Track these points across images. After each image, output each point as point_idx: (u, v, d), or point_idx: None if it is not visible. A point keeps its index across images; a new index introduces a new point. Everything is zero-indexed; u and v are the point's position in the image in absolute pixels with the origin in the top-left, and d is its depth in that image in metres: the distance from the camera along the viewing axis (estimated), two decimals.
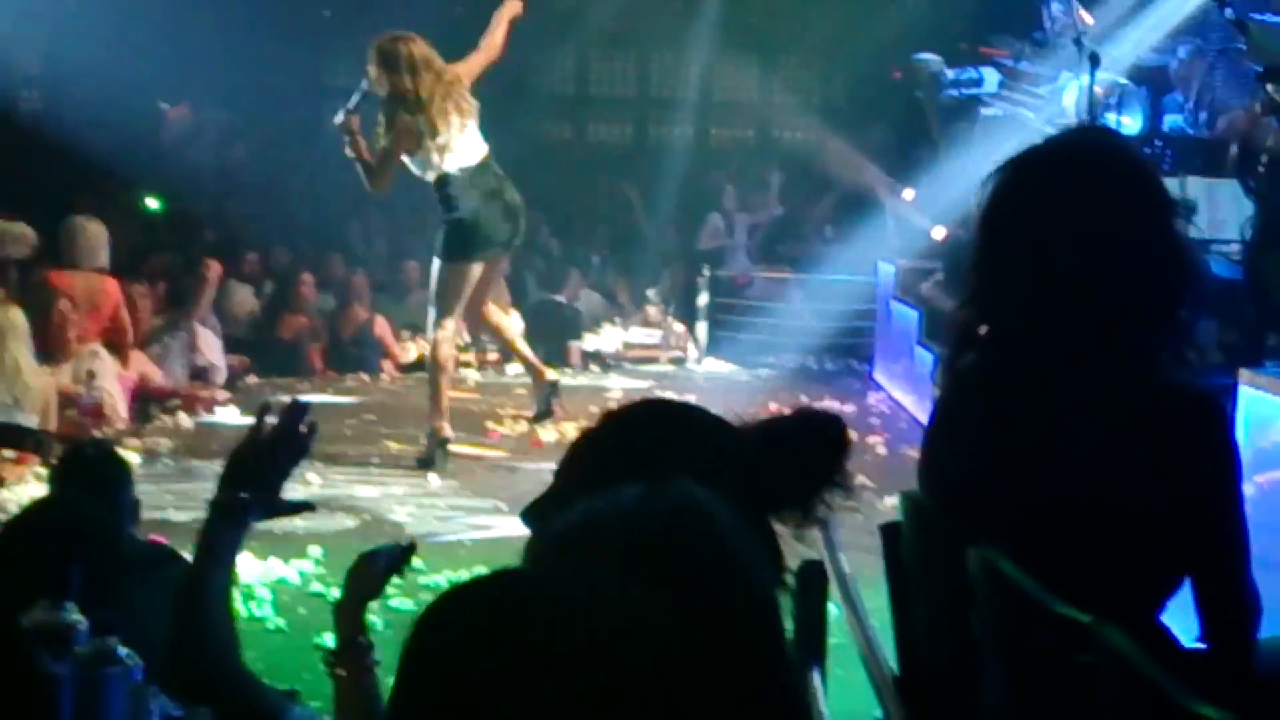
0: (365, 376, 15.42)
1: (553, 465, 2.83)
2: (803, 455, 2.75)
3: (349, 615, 3.52)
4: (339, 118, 10.50)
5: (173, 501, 9.24)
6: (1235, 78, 11.37)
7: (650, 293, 17.63)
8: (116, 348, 11.92)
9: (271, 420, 3.38)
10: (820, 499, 2.76)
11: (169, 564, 5.15)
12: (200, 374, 13.49)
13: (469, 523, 9.06)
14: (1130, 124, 11.72)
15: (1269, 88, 8.65)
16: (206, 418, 12.66)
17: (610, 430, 2.76)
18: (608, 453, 2.70)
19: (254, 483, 3.36)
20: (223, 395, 13.33)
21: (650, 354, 16.88)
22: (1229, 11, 9.85)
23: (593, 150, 21.09)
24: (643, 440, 2.71)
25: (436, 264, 10.60)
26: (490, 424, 12.34)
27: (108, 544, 4.60)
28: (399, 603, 7.38)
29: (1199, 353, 3.31)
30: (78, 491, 4.96)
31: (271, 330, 15.65)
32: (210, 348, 13.74)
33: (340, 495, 9.85)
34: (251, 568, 7.82)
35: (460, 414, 13.06)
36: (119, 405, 11.63)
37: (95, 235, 11.83)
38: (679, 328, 17.42)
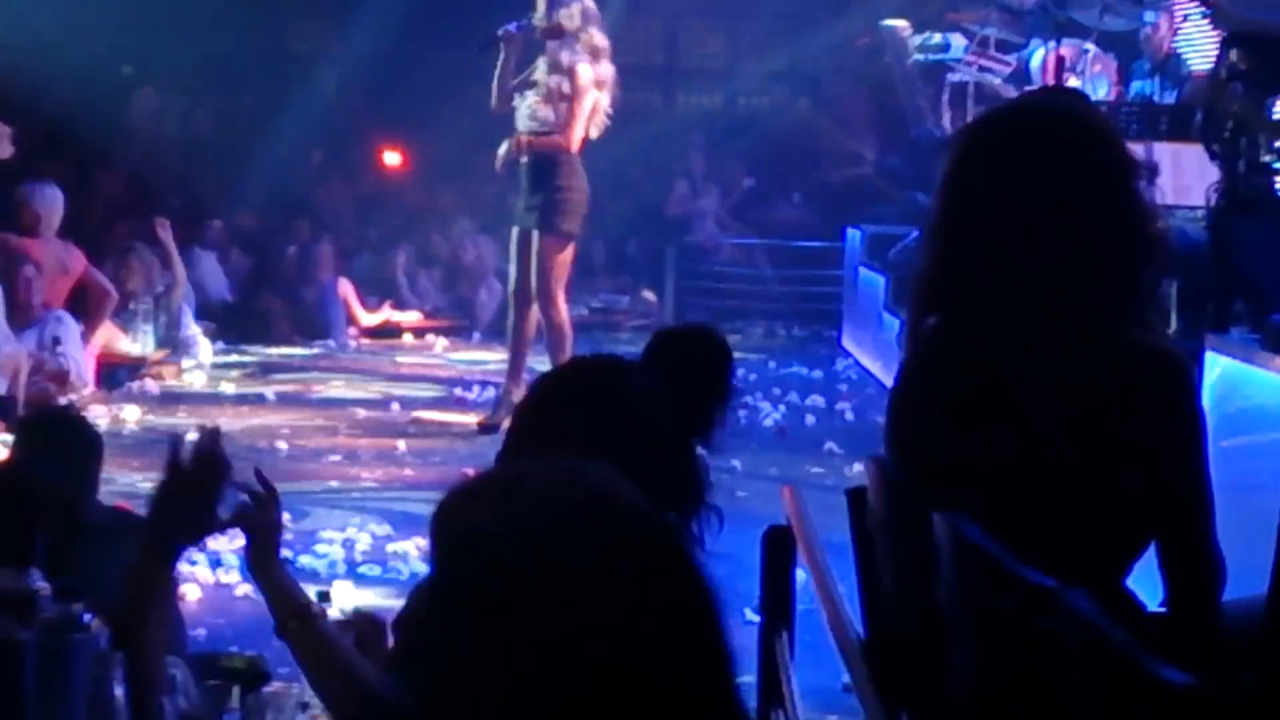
0: (332, 341, 15.39)
1: None
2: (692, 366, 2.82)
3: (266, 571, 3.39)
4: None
5: (138, 468, 9.23)
6: (1201, 43, 11.41)
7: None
8: (94, 313, 11.90)
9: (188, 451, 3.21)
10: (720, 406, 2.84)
11: (134, 531, 5.14)
12: (169, 340, 13.44)
13: (436, 490, 9.06)
14: (1097, 89, 11.73)
15: (1234, 53, 8.65)
16: (174, 384, 12.64)
17: (543, 397, 2.82)
18: (546, 417, 2.78)
19: (184, 519, 3.21)
20: (190, 362, 13.29)
21: (616, 319, 16.86)
22: None
23: None
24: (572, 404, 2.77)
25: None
26: (459, 391, 12.34)
27: (70, 511, 4.59)
28: (368, 570, 7.41)
29: (1163, 316, 3.31)
30: (41, 458, 4.95)
31: (256, 299, 15.64)
32: (181, 316, 13.69)
33: (307, 462, 9.85)
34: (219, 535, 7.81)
35: (428, 381, 13.08)
36: (84, 371, 11.59)
37: (54, 201, 11.76)
38: (647, 294, 17.42)
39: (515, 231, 10.80)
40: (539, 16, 10.59)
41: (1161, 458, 3.14)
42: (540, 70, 10.59)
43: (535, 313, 10.75)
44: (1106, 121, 3.48)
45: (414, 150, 18.38)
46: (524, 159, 10.57)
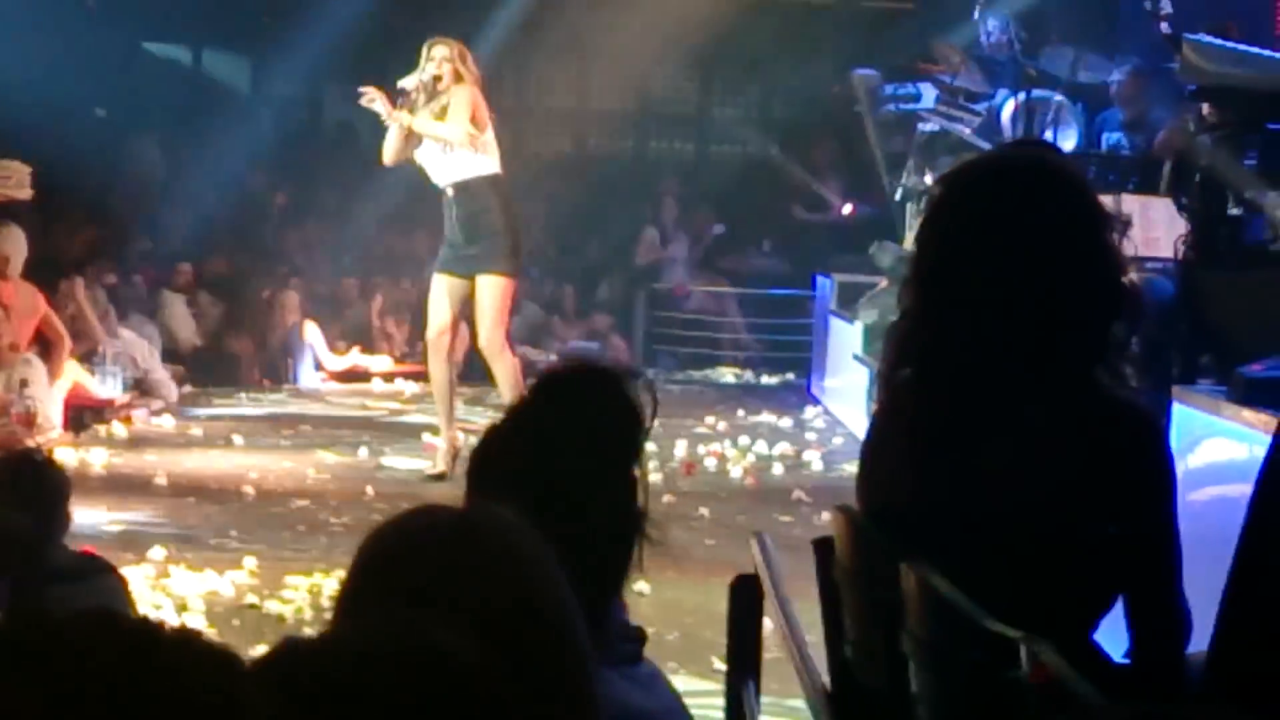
0: (301, 386, 15.37)
1: None
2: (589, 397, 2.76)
3: None
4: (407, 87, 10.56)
5: (106, 512, 9.20)
6: (1171, 95, 11.46)
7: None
8: (50, 357, 11.85)
9: None
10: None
11: (100, 575, 5.13)
12: (137, 384, 13.41)
13: None
14: (1066, 141, 11.78)
15: (1203, 106, 8.71)
16: (141, 428, 12.61)
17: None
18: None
19: None
20: (157, 405, 13.27)
21: None
22: (1164, 27, 9.92)
23: (531, 161, 21.07)
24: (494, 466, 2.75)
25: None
26: (427, 436, 12.30)
27: (36, 554, 4.58)
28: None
29: (1135, 368, 3.32)
30: (6, 501, 4.93)
31: (224, 343, 15.62)
32: (147, 358, 13.66)
33: (274, 506, 9.82)
34: (185, 579, 7.79)
35: (397, 426, 13.06)
36: (52, 414, 11.55)
37: (20, 241, 11.73)
38: (616, 340, 17.43)
39: (443, 279, 10.71)
40: (422, 75, 10.56)
41: (1129, 511, 3.15)
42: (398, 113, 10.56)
43: (450, 359, 10.85)
44: (1079, 173, 3.51)
45: (386, 192, 18.37)
46: (454, 213, 10.58)
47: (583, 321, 17.83)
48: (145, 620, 1.60)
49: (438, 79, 10.52)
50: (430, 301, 10.84)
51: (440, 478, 10.49)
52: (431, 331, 10.79)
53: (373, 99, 10.57)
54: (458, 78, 10.52)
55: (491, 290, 10.54)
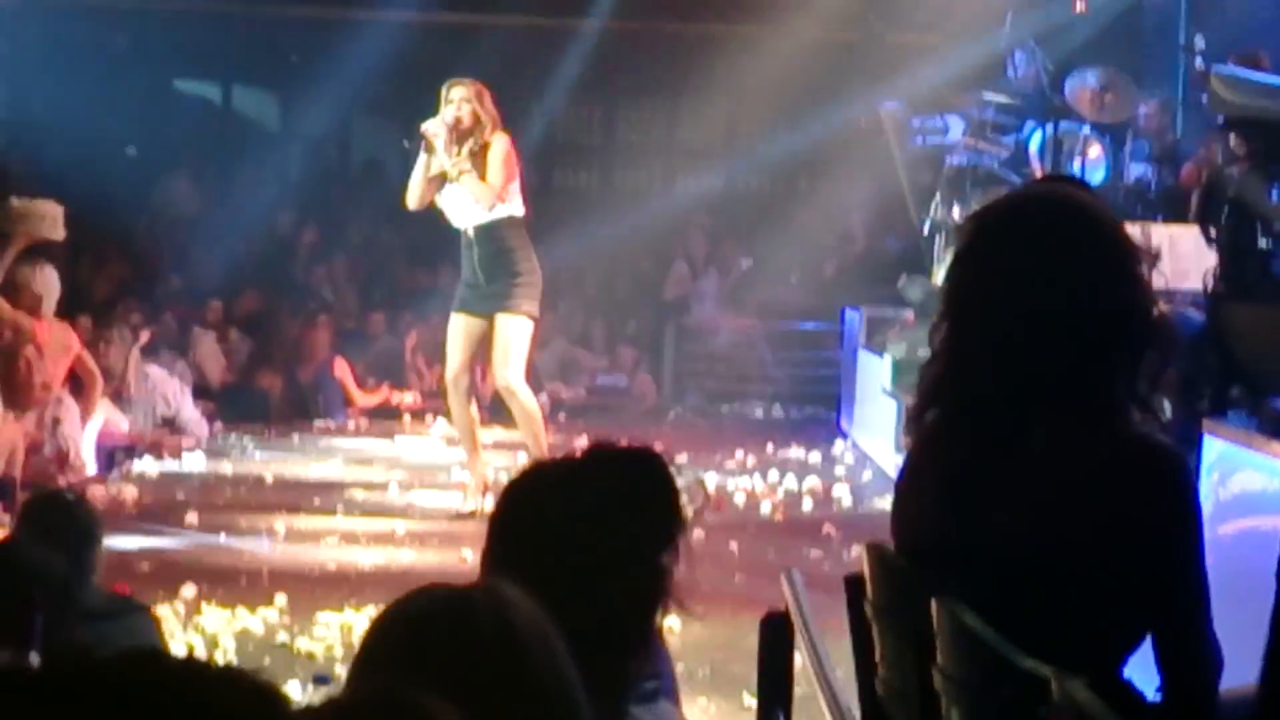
0: (331, 423, 15.40)
1: None
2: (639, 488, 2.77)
3: None
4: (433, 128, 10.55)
5: (137, 550, 9.22)
6: (1199, 127, 11.46)
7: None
8: (83, 396, 11.88)
9: None
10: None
11: (133, 614, 5.15)
12: (168, 422, 13.45)
13: (434, 572, 9.02)
14: (1094, 172, 11.78)
15: (1231, 138, 8.71)
16: (172, 465, 12.63)
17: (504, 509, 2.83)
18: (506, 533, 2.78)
19: None
20: (189, 442, 13.30)
21: (615, 401, 16.86)
22: (1199, 61, 9.93)
23: (560, 196, 21.11)
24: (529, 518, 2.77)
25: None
26: (458, 470, 12.32)
27: (67, 593, 4.59)
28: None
29: (1169, 399, 3.32)
30: (38, 541, 4.94)
31: (254, 379, 15.67)
32: (177, 396, 13.69)
33: (305, 543, 9.82)
34: (216, 617, 7.79)
35: (426, 463, 13.06)
36: (84, 453, 11.58)
37: (54, 281, 11.75)
38: (646, 376, 17.43)
39: (462, 318, 10.72)
40: (444, 117, 10.53)
41: (1151, 550, 3.14)
42: (458, 161, 10.52)
43: (473, 397, 10.88)
44: (1107, 209, 3.50)
45: (413, 228, 18.43)
46: (474, 253, 10.58)
47: (611, 355, 17.84)
48: (190, 658, 1.61)
49: (459, 120, 10.52)
50: (448, 341, 10.83)
51: (470, 515, 10.47)
52: (450, 371, 10.80)
53: (434, 134, 10.54)
54: (477, 119, 10.50)
55: (512, 329, 10.54)
